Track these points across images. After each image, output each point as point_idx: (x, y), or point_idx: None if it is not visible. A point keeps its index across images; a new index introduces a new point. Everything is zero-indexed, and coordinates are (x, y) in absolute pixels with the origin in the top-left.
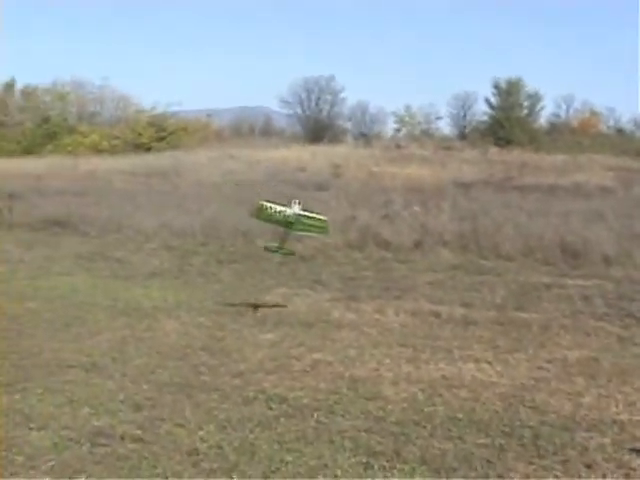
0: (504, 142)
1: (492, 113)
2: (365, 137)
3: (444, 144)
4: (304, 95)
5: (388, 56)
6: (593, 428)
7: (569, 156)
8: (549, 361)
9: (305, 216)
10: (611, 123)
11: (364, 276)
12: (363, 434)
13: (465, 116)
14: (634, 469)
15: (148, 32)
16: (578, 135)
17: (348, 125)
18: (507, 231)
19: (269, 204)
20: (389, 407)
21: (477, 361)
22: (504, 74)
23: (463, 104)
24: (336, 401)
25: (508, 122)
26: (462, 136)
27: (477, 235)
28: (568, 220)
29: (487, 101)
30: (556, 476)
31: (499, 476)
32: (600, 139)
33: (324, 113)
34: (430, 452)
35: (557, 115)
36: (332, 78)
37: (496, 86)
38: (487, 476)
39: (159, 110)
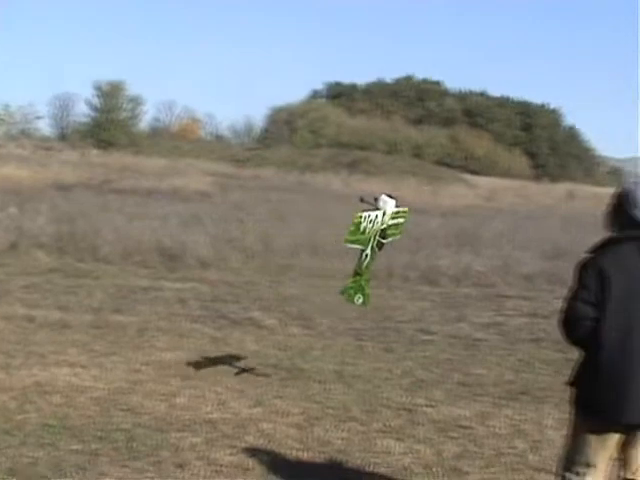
0: (105, 144)
1: (94, 115)
2: None
3: (44, 144)
4: None
5: None
6: (186, 428)
7: (169, 160)
8: (145, 363)
9: (395, 214)
10: (211, 129)
11: None
12: None
13: (66, 117)
14: (224, 465)
15: None
16: (179, 140)
17: None
18: (106, 234)
19: (364, 214)
20: None
21: (72, 365)
22: (106, 76)
23: (64, 105)
24: None
25: (110, 125)
26: (63, 137)
27: (75, 238)
28: (166, 224)
29: (88, 103)
30: (148, 477)
31: None
32: (200, 144)
33: None
34: (21, 461)
35: (158, 120)
36: None
37: (98, 88)
38: None
39: None
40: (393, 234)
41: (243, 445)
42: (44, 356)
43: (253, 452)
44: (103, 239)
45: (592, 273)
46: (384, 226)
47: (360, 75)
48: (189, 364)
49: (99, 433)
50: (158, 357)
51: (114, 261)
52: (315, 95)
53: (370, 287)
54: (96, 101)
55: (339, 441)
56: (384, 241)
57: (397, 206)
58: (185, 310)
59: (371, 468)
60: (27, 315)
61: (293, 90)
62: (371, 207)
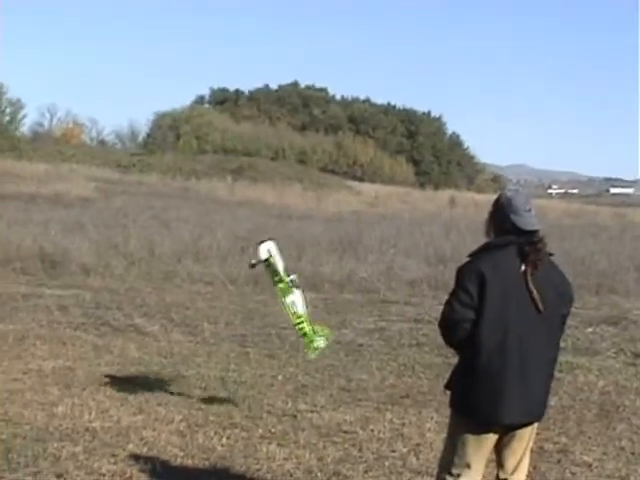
0: None
1: None
2: None
3: None
4: None
5: None
6: (66, 437)
7: (51, 165)
8: (25, 372)
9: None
10: (94, 134)
11: None
12: None
13: None
14: (104, 474)
15: None
16: (61, 145)
17: None
18: None
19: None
20: None
21: None
22: None
23: None
24: None
25: None
26: None
27: None
28: (48, 230)
29: None
30: None
31: None
32: (83, 149)
33: None
34: None
35: (40, 124)
36: None
37: None
38: None
39: None
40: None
41: (124, 453)
42: None
43: (134, 460)
44: None
45: (471, 277)
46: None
47: (246, 81)
48: (70, 372)
49: None
50: (38, 366)
51: None
52: (200, 101)
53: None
54: None
55: (221, 448)
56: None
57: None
58: (66, 317)
59: (253, 474)
60: None
61: (178, 96)
62: (261, 261)
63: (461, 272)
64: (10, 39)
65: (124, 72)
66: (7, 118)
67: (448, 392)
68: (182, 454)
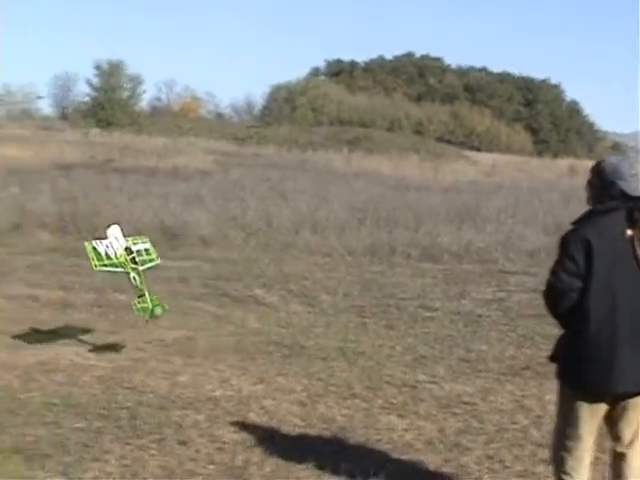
0: (105, 124)
1: (93, 94)
2: None
3: (45, 124)
4: None
5: None
6: (189, 406)
7: (170, 139)
8: (147, 342)
9: (134, 240)
10: (211, 108)
11: None
12: None
13: (67, 97)
14: (226, 442)
15: None
16: (179, 119)
17: None
18: (107, 213)
19: (93, 242)
20: None
21: (75, 344)
22: (106, 56)
23: (64, 84)
24: None
25: (109, 104)
26: (63, 117)
27: (77, 217)
28: (168, 203)
29: (88, 82)
30: (151, 455)
31: (95, 459)
32: (200, 123)
33: None
34: (24, 440)
35: (159, 99)
36: None
37: (97, 67)
38: (82, 459)
39: None
40: (150, 260)
41: (246, 422)
42: None
43: (255, 429)
44: (104, 218)
45: (577, 244)
46: (129, 251)
47: (361, 52)
48: (192, 342)
49: (102, 411)
50: (160, 335)
51: None
52: (315, 73)
53: (154, 298)
54: (96, 81)
55: (342, 418)
56: (141, 268)
57: (126, 235)
58: (187, 288)
59: (374, 445)
60: (31, 294)
61: (294, 68)
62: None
63: (566, 240)
64: (130, 15)
65: (240, 46)
66: (127, 93)
67: (554, 363)
68: (303, 424)
